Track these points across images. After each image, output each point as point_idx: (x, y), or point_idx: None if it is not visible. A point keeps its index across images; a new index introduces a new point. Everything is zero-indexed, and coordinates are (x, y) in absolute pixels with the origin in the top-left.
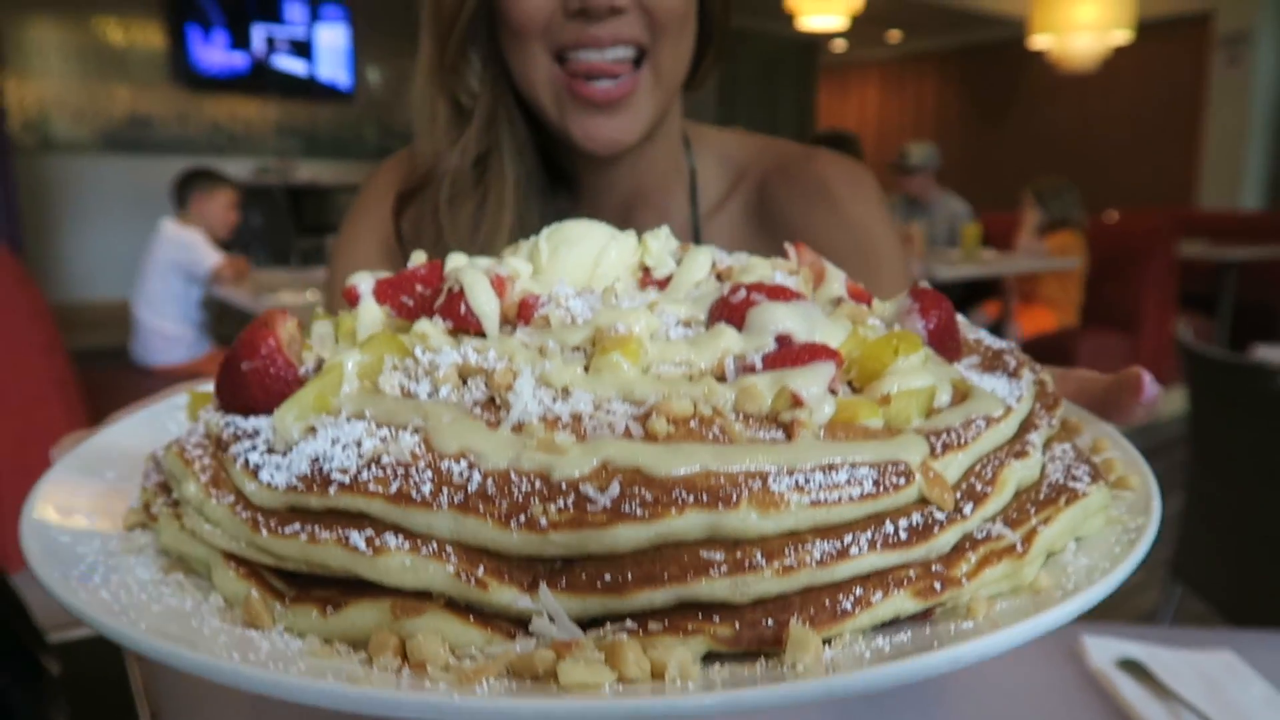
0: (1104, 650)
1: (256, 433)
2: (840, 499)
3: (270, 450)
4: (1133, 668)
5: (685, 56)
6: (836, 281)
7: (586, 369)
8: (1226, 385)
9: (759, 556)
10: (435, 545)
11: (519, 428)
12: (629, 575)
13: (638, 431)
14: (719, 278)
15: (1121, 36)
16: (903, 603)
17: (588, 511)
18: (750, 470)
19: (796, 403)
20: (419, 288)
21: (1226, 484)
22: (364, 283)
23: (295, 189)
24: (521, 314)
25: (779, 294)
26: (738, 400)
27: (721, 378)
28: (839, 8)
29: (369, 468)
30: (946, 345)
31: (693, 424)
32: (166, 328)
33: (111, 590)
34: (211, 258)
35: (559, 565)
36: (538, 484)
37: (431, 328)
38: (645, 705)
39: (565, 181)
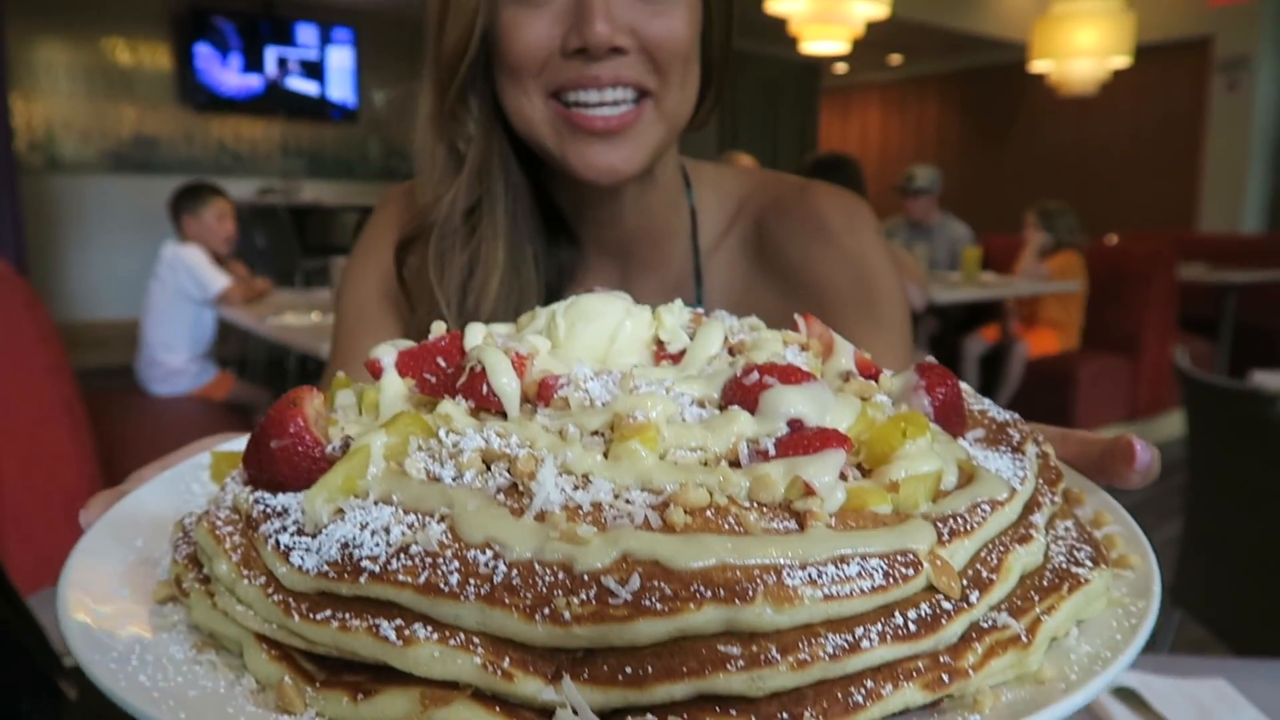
0: None
1: (285, 511)
2: (852, 592)
3: (300, 531)
4: (1127, 695)
5: (690, 97)
6: (845, 355)
7: (606, 454)
8: (1223, 411)
9: (774, 651)
10: (462, 636)
11: (541, 516)
12: (649, 668)
13: (656, 522)
14: (731, 351)
15: (1121, 61)
16: (912, 695)
17: (609, 605)
18: (765, 564)
19: (809, 491)
20: (440, 361)
21: (1224, 509)
22: (387, 355)
23: (299, 209)
24: (541, 394)
25: (790, 376)
26: (752, 489)
27: (735, 462)
28: (841, 34)
29: (398, 557)
30: (952, 420)
31: (709, 513)
32: (174, 360)
33: (149, 673)
34: (219, 281)
35: (581, 655)
36: (560, 575)
37: (455, 409)
38: None
39: (565, 228)
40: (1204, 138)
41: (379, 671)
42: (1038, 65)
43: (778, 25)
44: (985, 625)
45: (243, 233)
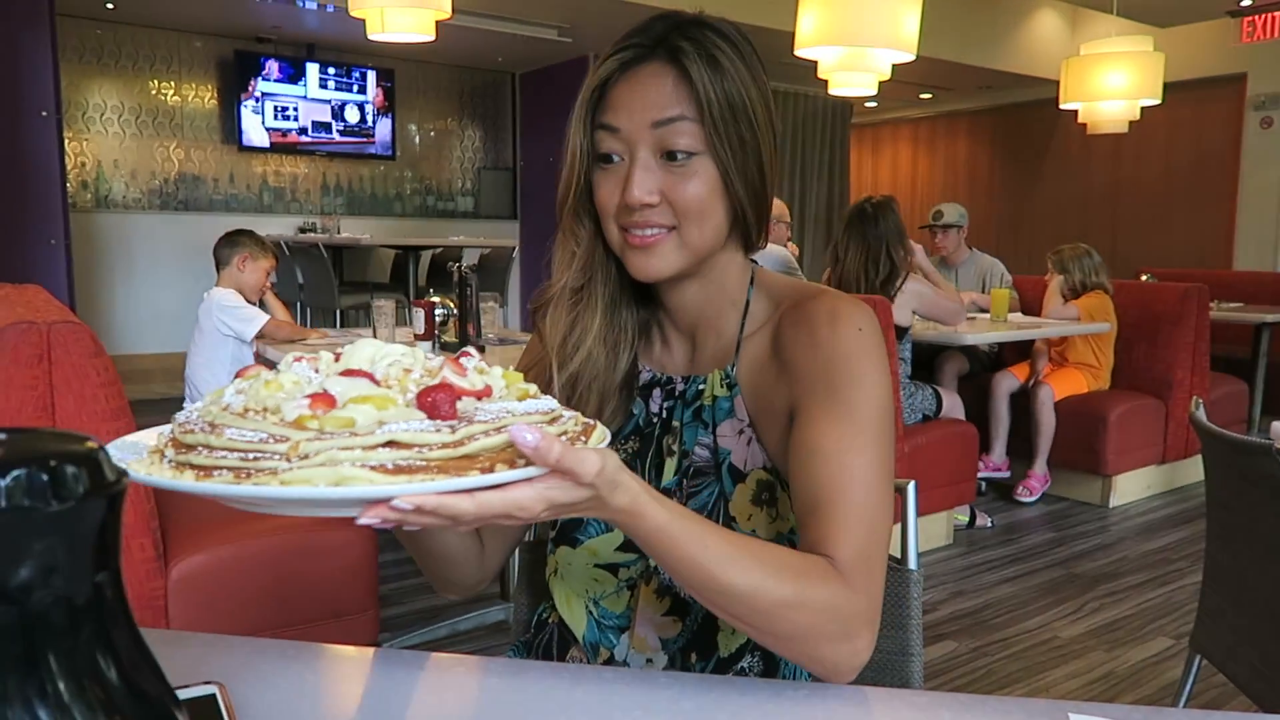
0: None
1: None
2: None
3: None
4: None
5: (712, 232)
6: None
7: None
8: (1233, 462)
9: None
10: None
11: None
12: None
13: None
14: None
15: (1151, 101)
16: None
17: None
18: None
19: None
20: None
21: (1240, 559)
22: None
23: (337, 246)
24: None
25: (353, 374)
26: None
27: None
28: (868, 81)
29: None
30: (436, 412)
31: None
32: None
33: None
34: (258, 319)
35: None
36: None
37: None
38: None
39: (651, 300)
40: (1237, 175)
41: None
42: (1067, 105)
43: (808, 66)
44: None
45: (283, 269)
